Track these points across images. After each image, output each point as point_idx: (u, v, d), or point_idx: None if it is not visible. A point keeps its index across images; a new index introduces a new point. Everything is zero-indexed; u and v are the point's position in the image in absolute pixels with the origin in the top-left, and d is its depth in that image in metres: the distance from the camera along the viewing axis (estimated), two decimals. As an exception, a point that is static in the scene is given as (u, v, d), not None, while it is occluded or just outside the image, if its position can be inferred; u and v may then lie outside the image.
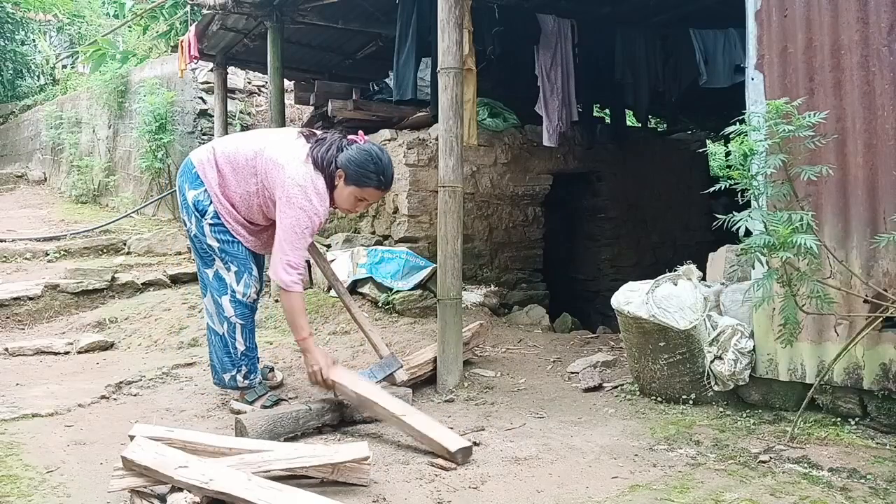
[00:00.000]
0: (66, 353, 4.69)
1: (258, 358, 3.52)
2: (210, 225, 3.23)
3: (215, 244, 3.25)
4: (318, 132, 3.32)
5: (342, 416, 3.04)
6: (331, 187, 3.13)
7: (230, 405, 3.37)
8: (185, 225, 3.35)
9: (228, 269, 3.26)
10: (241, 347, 3.32)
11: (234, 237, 3.26)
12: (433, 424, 2.77)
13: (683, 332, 3.16)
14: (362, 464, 2.36)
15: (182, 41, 6.96)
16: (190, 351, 4.70)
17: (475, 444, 2.78)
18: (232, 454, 2.31)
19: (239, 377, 3.35)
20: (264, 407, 3.29)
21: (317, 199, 3.04)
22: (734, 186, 2.66)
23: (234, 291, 3.27)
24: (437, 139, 4.52)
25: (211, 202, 3.22)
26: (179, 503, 2.04)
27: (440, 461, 2.58)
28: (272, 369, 3.76)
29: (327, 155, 3.09)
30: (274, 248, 3.09)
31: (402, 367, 3.38)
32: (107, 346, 4.86)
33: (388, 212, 6.01)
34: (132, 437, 2.21)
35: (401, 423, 2.80)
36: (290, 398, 3.56)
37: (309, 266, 5.92)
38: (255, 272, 3.34)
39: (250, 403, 3.34)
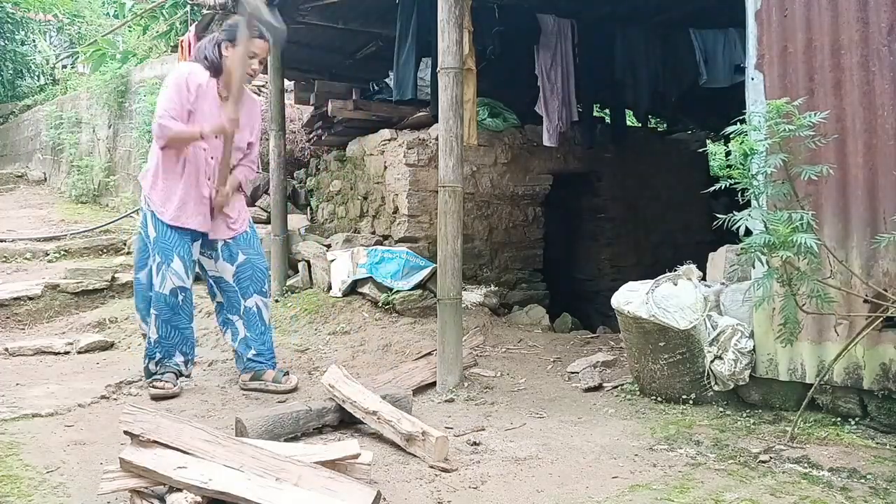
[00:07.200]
0: (66, 353, 4.69)
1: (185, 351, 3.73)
2: (147, 214, 3.62)
3: (153, 234, 3.57)
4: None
5: (342, 417, 3.04)
6: (220, 68, 3.55)
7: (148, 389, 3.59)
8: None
9: (154, 261, 3.57)
10: (153, 336, 3.62)
11: (160, 219, 3.53)
12: None
13: (683, 332, 3.16)
14: (362, 464, 2.35)
15: (182, 41, 6.95)
16: (190, 351, 4.69)
17: (476, 443, 2.79)
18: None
19: (151, 365, 3.66)
20: (154, 397, 3.49)
21: (185, 71, 3.54)
22: (734, 186, 2.66)
23: (152, 284, 3.59)
24: (437, 139, 4.51)
25: (144, 195, 3.63)
26: (180, 503, 2.04)
27: (440, 462, 2.58)
28: (287, 373, 3.80)
29: (207, 46, 3.58)
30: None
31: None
32: (107, 346, 4.85)
33: (388, 212, 6.00)
34: (129, 433, 2.17)
35: None
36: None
37: (308, 266, 5.92)
38: (175, 266, 3.52)
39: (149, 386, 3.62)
